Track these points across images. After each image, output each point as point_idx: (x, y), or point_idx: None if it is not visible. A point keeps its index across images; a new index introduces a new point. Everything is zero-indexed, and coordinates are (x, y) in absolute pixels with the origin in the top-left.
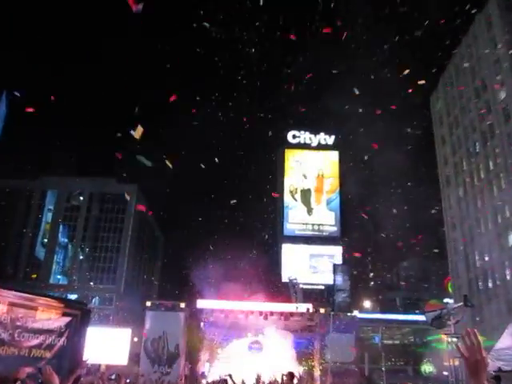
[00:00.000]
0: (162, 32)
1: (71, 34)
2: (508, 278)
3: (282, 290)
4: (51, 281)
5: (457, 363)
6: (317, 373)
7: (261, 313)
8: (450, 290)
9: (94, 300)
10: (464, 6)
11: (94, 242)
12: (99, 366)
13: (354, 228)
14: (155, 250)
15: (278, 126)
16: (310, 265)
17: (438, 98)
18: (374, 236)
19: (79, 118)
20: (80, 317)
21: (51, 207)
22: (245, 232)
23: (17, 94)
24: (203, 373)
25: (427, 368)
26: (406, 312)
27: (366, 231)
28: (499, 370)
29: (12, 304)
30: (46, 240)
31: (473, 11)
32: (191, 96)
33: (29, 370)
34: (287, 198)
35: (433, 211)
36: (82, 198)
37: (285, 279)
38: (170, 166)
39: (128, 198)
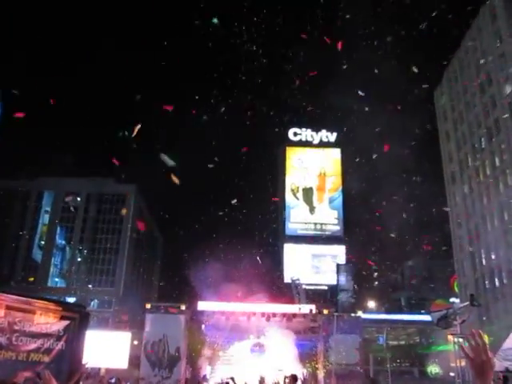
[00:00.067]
0: (161, 30)
1: (69, 34)
2: None
3: (284, 291)
4: (49, 284)
5: (463, 364)
6: (320, 375)
7: (263, 314)
8: (456, 289)
9: (92, 303)
10: None
11: (92, 243)
12: (99, 369)
13: (357, 227)
14: (154, 251)
15: (278, 123)
16: (312, 265)
17: (442, 93)
18: (377, 235)
19: (76, 118)
20: (79, 320)
21: (48, 208)
22: (246, 232)
23: (15, 92)
24: (205, 376)
25: (433, 369)
26: (411, 312)
27: (369, 230)
28: (506, 370)
29: (9, 308)
30: (42, 242)
31: (477, 4)
32: (190, 94)
33: (27, 374)
34: (289, 196)
35: (438, 209)
36: (79, 199)
37: (287, 280)
38: (177, 181)
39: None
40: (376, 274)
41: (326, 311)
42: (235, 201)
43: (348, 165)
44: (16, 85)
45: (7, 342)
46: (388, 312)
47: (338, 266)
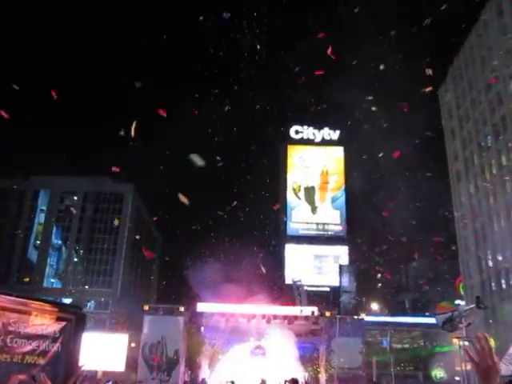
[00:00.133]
0: (160, 27)
1: (67, 33)
2: None
3: (285, 293)
4: (44, 284)
5: (469, 368)
6: (322, 379)
7: (263, 316)
8: (461, 291)
9: (89, 304)
10: None
11: (89, 243)
12: (95, 372)
13: (360, 227)
14: (153, 251)
15: (280, 121)
16: (314, 266)
17: (446, 90)
18: (381, 235)
19: (73, 116)
20: (75, 321)
21: (44, 207)
22: (246, 232)
23: (15, 87)
24: (204, 379)
25: (438, 373)
26: (415, 314)
27: (372, 230)
28: None
29: (4, 308)
30: (38, 242)
31: None
32: (190, 92)
33: (22, 376)
34: (290, 196)
35: (443, 209)
36: (75, 198)
37: (288, 281)
38: (186, 202)
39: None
40: (379, 275)
41: (328, 313)
42: (235, 203)
43: (351, 163)
44: (14, 81)
45: (1, 344)
46: (392, 314)
47: (341, 266)
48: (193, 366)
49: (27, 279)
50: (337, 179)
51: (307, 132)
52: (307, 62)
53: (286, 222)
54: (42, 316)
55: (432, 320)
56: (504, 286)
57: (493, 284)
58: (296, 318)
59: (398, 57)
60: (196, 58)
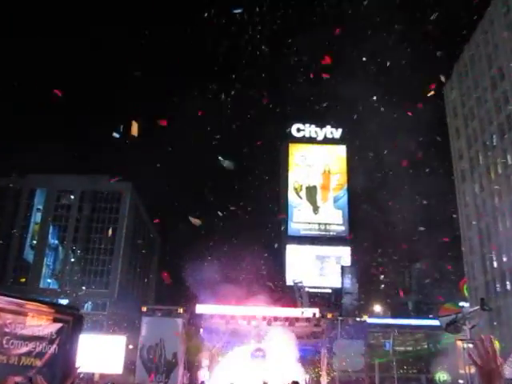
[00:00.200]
0: (159, 25)
1: (68, 30)
2: None
3: (286, 294)
4: (41, 285)
5: (473, 371)
6: (324, 382)
7: (264, 318)
8: (465, 292)
9: (86, 305)
10: None
11: (86, 243)
12: (93, 374)
13: (362, 227)
14: (151, 251)
15: (281, 119)
16: (316, 267)
17: (452, 88)
18: (384, 236)
19: (70, 113)
20: (72, 323)
21: (40, 206)
22: (246, 232)
23: (15, 84)
24: (203, 382)
25: (441, 376)
26: (418, 316)
27: (375, 230)
28: None
29: (0, 309)
30: (34, 241)
31: None
32: (190, 90)
33: (18, 379)
34: (291, 195)
35: (447, 209)
36: (72, 197)
37: (289, 282)
38: (198, 223)
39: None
40: (382, 276)
41: (329, 315)
42: (235, 203)
43: (353, 162)
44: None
45: None
46: (394, 316)
47: (343, 268)
48: (192, 368)
49: (23, 279)
50: (339, 178)
51: (309, 130)
52: (309, 59)
53: (287, 221)
54: (39, 317)
55: (436, 322)
56: (509, 287)
57: (497, 285)
58: (297, 319)
59: (402, 54)
60: (196, 56)
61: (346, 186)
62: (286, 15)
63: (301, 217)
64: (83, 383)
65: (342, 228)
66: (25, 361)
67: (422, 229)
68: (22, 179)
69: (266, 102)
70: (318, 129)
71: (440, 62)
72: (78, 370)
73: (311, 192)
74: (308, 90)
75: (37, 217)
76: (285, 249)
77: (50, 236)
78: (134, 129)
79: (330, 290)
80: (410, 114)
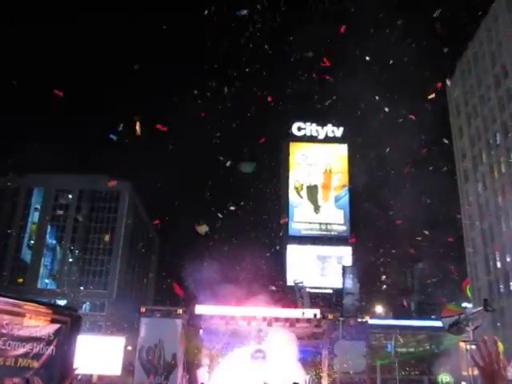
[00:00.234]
0: (158, 22)
1: (65, 29)
2: None
3: (287, 295)
4: (38, 285)
5: (476, 373)
6: (325, 383)
7: (264, 319)
8: (468, 293)
9: (84, 306)
10: None
11: (85, 243)
12: (91, 376)
13: (364, 227)
14: (150, 251)
15: (281, 117)
16: (317, 267)
17: (454, 86)
18: (386, 236)
19: (68, 112)
20: (70, 324)
21: (38, 206)
22: (246, 232)
23: (14, 83)
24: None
25: (444, 378)
26: (421, 317)
27: (377, 230)
28: None
29: None
30: (32, 241)
31: None
32: (189, 89)
33: (15, 380)
34: (292, 195)
35: (450, 208)
36: (70, 197)
37: (290, 282)
38: (204, 231)
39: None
40: (384, 276)
41: (330, 316)
42: (235, 202)
43: (355, 161)
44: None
45: None
46: (396, 317)
47: (344, 268)
48: (191, 369)
49: (20, 280)
50: (340, 178)
51: (310, 129)
52: (310, 57)
53: (287, 221)
54: (36, 318)
55: (438, 323)
56: None
57: (501, 286)
58: (298, 320)
59: (404, 51)
60: (195, 54)
61: (347, 186)
62: (287, 12)
63: (302, 216)
64: None
65: (344, 228)
66: (22, 362)
67: (424, 229)
68: (20, 178)
69: (269, 100)
70: (319, 127)
71: (443, 59)
72: (76, 372)
73: (312, 191)
74: (309, 87)
75: (34, 216)
76: (285, 249)
77: (47, 236)
78: (138, 128)
79: (331, 291)
80: (412, 112)
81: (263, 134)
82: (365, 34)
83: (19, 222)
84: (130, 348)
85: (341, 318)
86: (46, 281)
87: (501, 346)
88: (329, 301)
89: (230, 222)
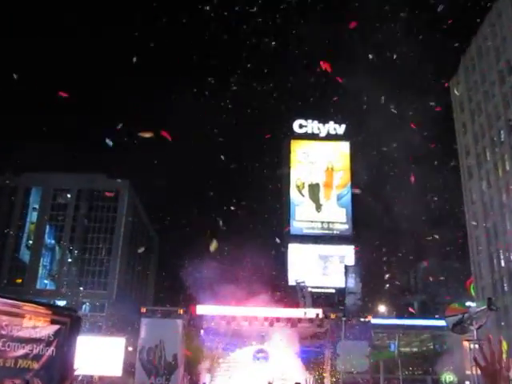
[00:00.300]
0: (159, 19)
1: (65, 29)
2: None
3: (288, 294)
4: (37, 286)
5: (480, 372)
6: (327, 383)
7: (266, 319)
8: (472, 292)
9: (84, 306)
10: None
11: (84, 243)
12: (91, 377)
13: (367, 226)
14: (150, 251)
15: (282, 114)
16: (319, 266)
17: (458, 82)
18: (389, 234)
19: (67, 110)
20: (70, 324)
21: (36, 205)
22: (247, 231)
23: (14, 76)
24: None
25: (448, 377)
26: (424, 317)
27: (380, 229)
28: None
29: None
30: (30, 241)
31: None
32: (189, 87)
33: (15, 381)
34: (293, 193)
35: (454, 207)
36: (69, 196)
37: (292, 282)
38: (214, 247)
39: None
40: (387, 276)
41: (333, 316)
42: (235, 201)
43: (357, 159)
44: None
45: None
46: (399, 317)
47: (346, 267)
48: (192, 370)
49: (19, 280)
50: (342, 176)
51: (311, 126)
52: (311, 53)
53: (289, 220)
54: (36, 319)
55: (442, 322)
56: None
57: (505, 285)
58: (300, 320)
59: (408, 48)
60: (195, 53)
61: (349, 184)
62: (288, 8)
63: (303, 215)
64: None
65: (346, 226)
66: (22, 363)
67: (427, 227)
68: (18, 177)
69: (270, 96)
70: (320, 125)
71: (446, 55)
72: (76, 373)
73: (314, 190)
74: (311, 84)
75: (33, 216)
76: (287, 248)
77: (46, 236)
78: (146, 132)
79: (333, 290)
80: (415, 109)
81: (264, 131)
82: (368, 29)
83: (17, 222)
84: (130, 349)
85: (343, 318)
86: (45, 281)
87: (505, 345)
88: (331, 300)
89: (230, 221)
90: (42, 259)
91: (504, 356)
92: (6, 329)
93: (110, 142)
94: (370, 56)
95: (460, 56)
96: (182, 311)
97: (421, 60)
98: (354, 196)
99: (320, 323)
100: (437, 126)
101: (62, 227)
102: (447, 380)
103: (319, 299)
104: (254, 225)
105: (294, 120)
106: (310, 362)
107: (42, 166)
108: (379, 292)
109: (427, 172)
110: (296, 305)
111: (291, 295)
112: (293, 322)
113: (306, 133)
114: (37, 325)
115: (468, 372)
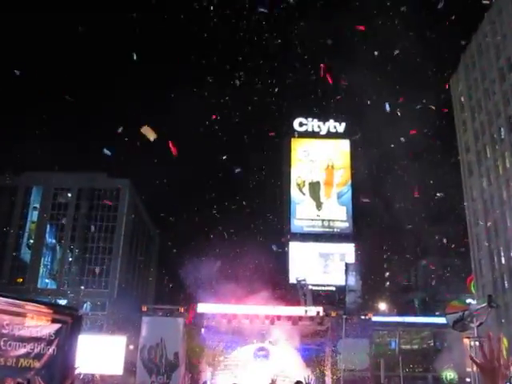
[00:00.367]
0: (159, 17)
1: (65, 29)
2: None
3: (289, 292)
4: (38, 285)
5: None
6: (328, 381)
7: (267, 317)
8: (472, 289)
9: (85, 305)
10: None
11: (84, 242)
12: (93, 376)
13: (367, 224)
14: (151, 250)
15: (283, 113)
16: (319, 264)
17: (458, 79)
18: (389, 232)
19: (66, 110)
20: (71, 323)
21: (37, 205)
22: (248, 229)
23: (17, 72)
24: (205, 383)
25: (449, 375)
26: (425, 314)
27: (380, 227)
28: None
29: None
30: (31, 241)
31: None
32: (188, 85)
33: (17, 380)
34: (294, 191)
35: (454, 204)
36: (69, 195)
37: (292, 280)
38: (152, 134)
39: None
40: (388, 273)
41: (333, 314)
42: (236, 199)
43: (358, 157)
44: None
45: None
46: (400, 314)
47: (347, 265)
48: (193, 369)
49: (20, 280)
50: (343, 174)
51: (312, 124)
52: (311, 51)
53: (289, 218)
54: (37, 318)
55: (442, 320)
56: None
57: (505, 282)
58: (301, 318)
59: (408, 45)
60: (195, 52)
61: (349, 182)
62: (287, 6)
63: (304, 213)
64: None
65: (346, 224)
66: (23, 362)
67: (428, 225)
68: (18, 177)
69: (270, 95)
70: (320, 123)
71: (446, 52)
72: (78, 371)
73: (314, 188)
74: (311, 82)
75: (33, 215)
76: (287, 246)
77: (47, 235)
78: (150, 133)
79: (334, 288)
80: (415, 105)
81: (264, 130)
82: (368, 27)
83: (18, 221)
84: (131, 347)
85: (344, 316)
86: (46, 280)
87: (505, 343)
88: (332, 298)
89: (231, 219)
90: (42, 258)
91: (504, 353)
92: (7, 328)
93: (108, 152)
94: (370, 53)
95: (460, 53)
96: (183, 309)
97: (421, 57)
98: (354, 194)
99: (321, 321)
100: (437, 124)
101: (62, 226)
102: (448, 377)
103: (320, 297)
104: (255, 223)
105: (294, 118)
106: (310, 359)
107: (42, 165)
108: (380, 290)
109: (427, 169)
110: (297, 303)
111: (292, 293)
112: (294, 320)
113: (306, 131)
114: (38, 324)
115: (468, 369)
